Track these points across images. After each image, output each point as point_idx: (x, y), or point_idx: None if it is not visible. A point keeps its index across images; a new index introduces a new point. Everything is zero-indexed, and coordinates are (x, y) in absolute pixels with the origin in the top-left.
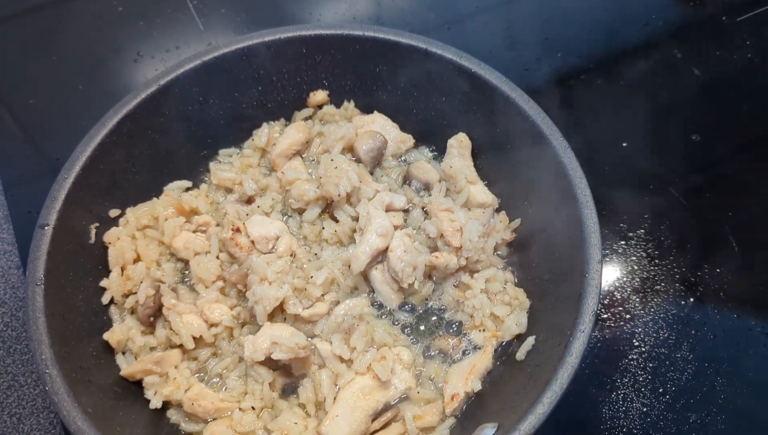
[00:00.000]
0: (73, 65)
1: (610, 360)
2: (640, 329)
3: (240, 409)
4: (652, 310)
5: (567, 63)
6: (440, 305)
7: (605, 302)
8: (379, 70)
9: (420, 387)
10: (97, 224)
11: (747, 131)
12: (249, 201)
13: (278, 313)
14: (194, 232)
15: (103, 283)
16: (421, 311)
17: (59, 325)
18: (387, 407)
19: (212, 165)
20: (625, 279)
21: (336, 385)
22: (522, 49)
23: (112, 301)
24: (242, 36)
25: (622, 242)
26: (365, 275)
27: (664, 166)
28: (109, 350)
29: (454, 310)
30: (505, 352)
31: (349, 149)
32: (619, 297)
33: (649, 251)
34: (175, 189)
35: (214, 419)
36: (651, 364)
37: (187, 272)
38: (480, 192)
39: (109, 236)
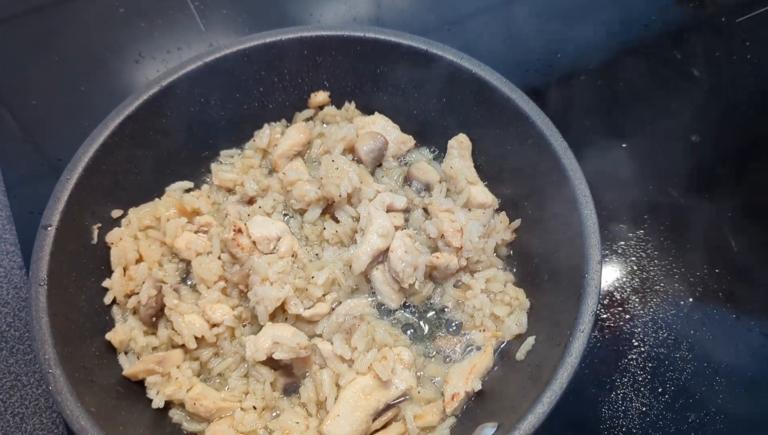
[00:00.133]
0: (74, 66)
1: (609, 360)
2: (639, 329)
3: (241, 408)
4: (652, 310)
5: (567, 64)
6: (441, 305)
7: (605, 302)
8: (380, 71)
9: (420, 387)
10: (100, 225)
11: (746, 132)
12: (250, 201)
13: (279, 313)
14: (196, 232)
15: (106, 283)
16: (421, 311)
17: (62, 326)
18: (388, 407)
19: (214, 166)
20: (624, 279)
21: (337, 384)
22: (522, 49)
23: (114, 301)
24: (243, 37)
25: (622, 243)
26: (366, 275)
27: (664, 166)
28: (111, 350)
29: (454, 310)
30: (505, 352)
31: (350, 150)
32: (618, 297)
33: (648, 252)
34: (176, 190)
35: (216, 419)
36: (650, 364)
37: (189, 273)
38: (480, 192)
39: (112, 237)
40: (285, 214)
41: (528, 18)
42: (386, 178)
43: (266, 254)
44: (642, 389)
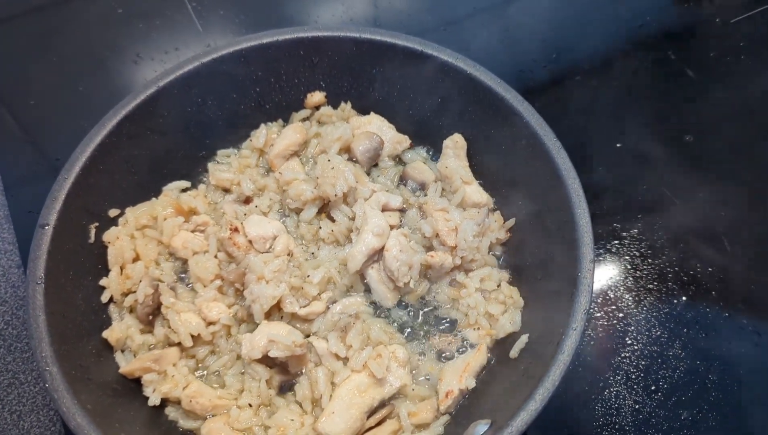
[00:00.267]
0: (73, 66)
1: (603, 358)
2: (632, 328)
3: (237, 406)
4: (645, 308)
5: (562, 64)
6: (435, 304)
7: (598, 301)
8: (376, 72)
9: (415, 384)
10: (97, 224)
11: (740, 132)
12: (247, 201)
13: (275, 311)
14: (193, 231)
15: (103, 281)
16: (416, 310)
17: (59, 324)
18: (382, 404)
19: (210, 165)
20: (618, 278)
21: (332, 382)
22: (518, 50)
23: (111, 299)
24: (240, 38)
25: (616, 242)
26: (361, 274)
27: (658, 165)
28: (108, 348)
29: (449, 308)
30: (499, 350)
31: (346, 150)
32: (612, 296)
33: (642, 250)
34: (173, 189)
35: (211, 416)
36: (643, 362)
37: (185, 272)
38: (475, 192)
39: (109, 236)
40: (281, 214)
41: (524, 18)
42: (382, 178)
43: (262, 253)
44: (635, 387)
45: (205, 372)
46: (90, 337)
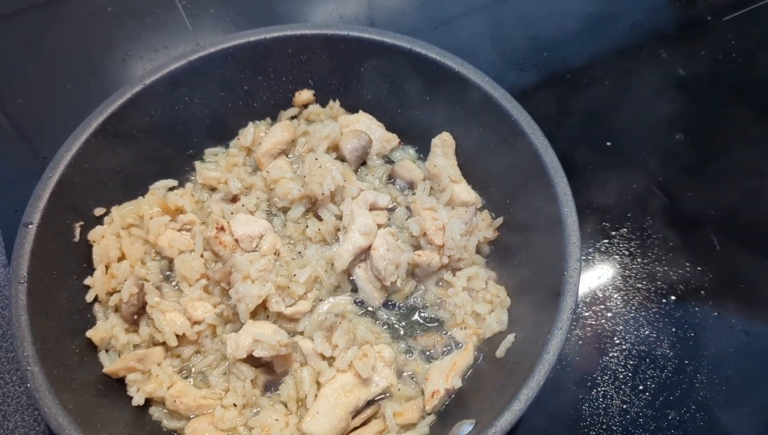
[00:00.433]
0: (62, 65)
1: (590, 358)
2: (621, 327)
3: (222, 406)
4: (634, 308)
5: (553, 62)
6: (422, 303)
7: (587, 300)
8: (365, 70)
9: (401, 384)
10: (82, 223)
11: (730, 131)
12: (234, 199)
13: (261, 311)
14: (179, 230)
15: (88, 281)
16: (403, 309)
17: (42, 323)
18: (368, 404)
19: (198, 164)
20: (607, 277)
21: (318, 382)
22: (508, 48)
23: (96, 299)
24: (228, 36)
25: (605, 241)
26: (348, 273)
27: (648, 165)
28: (92, 348)
29: (436, 307)
30: (485, 349)
31: (334, 148)
32: (600, 295)
33: (631, 250)
34: (160, 188)
35: (196, 416)
36: (631, 362)
37: (171, 271)
38: (463, 191)
39: (94, 235)
40: (268, 213)
41: (515, 17)
42: (370, 177)
43: (248, 252)
44: (623, 387)
45: (192, 371)
46: (74, 337)
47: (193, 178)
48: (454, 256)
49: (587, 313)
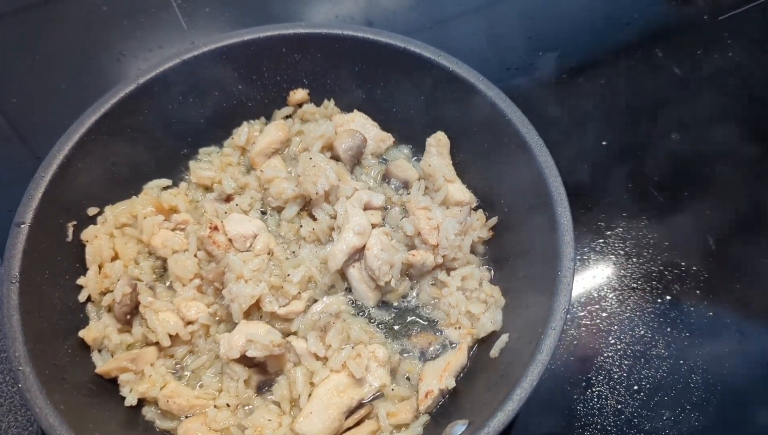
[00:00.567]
0: (56, 64)
1: (585, 357)
2: (616, 327)
3: (215, 406)
4: (629, 307)
5: (548, 62)
6: (417, 303)
7: (582, 300)
8: (359, 69)
9: (395, 384)
10: (75, 222)
11: (726, 130)
12: (228, 199)
13: (255, 310)
14: (173, 230)
15: (80, 280)
16: (397, 309)
17: (34, 323)
18: (361, 404)
19: (192, 163)
20: (602, 277)
21: (311, 382)
22: (504, 48)
23: (88, 298)
24: (222, 35)
25: (600, 240)
26: (342, 273)
27: (644, 164)
28: (85, 348)
29: (430, 307)
30: (479, 349)
31: (329, 148)
32: (595, 295)
33: (626, 249)
34: (154, 187)
35: (188, 416)
36: (626, 362)
37: (165, 270)
38: (458, 190)
39: (87, 234)
40: (262, 212)
41: (511, 17)
42: (365, 176)
43: (242, 252)
44: (617, 387)
45: (185, 371)
46: (66, 337)
47: (187, 177)
48: (448, 255)
49: (582, 313)
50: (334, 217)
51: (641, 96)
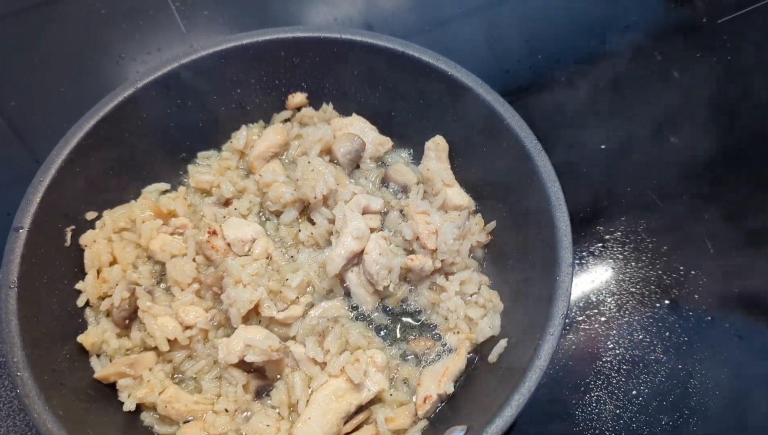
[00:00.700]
0: (55, 67)
1: (584, 362)
2: (614, 331)
3: (213, 411)
4: (627, 312)
5: (547, 65)
6: (415, 307)
7: (580, 305)
8: (358, 73)
9: (393, 389)
10: (73, 227)
11: (725, 134)
12: (226, 203)
13: (253, 315)
14: (171, 234)
15: (79, 285)
16: (396, 313)
17: (32, 328)
18: (359, 409)
19: (191, 167)
20: (600, 281)
21: (309, 387)
22: (503, 51)
23: (87, 303)
24: (220, 38)
25: (599, 244)
26: (341, 278)
27: (642, 168)
28: (83, 353)
29: (428, 312)
30: (478, 354)
31: (327, 151)
32: (594, 299)
33: (625, 254)
34: (153, 191)
35: (187, 421)
36: (625, 367)
37: (164, 275)
38: (456, 194)
39: (85, 239)
40: (261, 216)
41: (509, 20)
42: (363, 180)
43: (241, 256)
44: (616, 392)
45: (183, 376)
46: (65, 342)
47: (185, 181)
48: (447, 260)
49: (581, 318)
50: (333, 222)
51: (640, 99)
